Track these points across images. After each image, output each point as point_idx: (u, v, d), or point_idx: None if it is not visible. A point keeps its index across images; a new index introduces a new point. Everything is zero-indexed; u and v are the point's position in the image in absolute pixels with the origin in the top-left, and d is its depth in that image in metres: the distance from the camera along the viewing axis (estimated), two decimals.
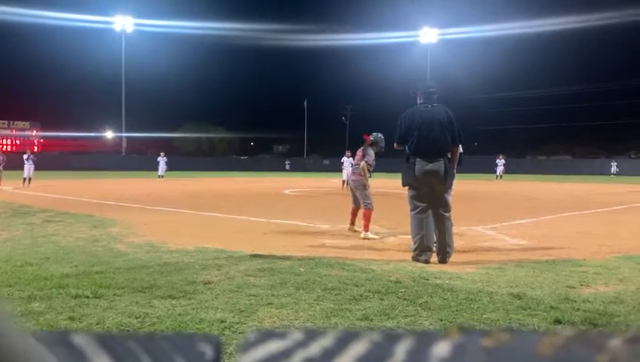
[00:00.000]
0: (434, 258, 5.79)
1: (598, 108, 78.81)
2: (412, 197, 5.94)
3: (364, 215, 7.79)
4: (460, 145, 5.99)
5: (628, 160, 47.43)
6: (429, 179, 5.80)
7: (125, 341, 0.32)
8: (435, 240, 5.85)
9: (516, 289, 4.47)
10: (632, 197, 17.99)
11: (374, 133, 8.13)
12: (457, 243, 6.40)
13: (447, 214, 5.91)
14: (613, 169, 45.22)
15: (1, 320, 0.26)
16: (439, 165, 5.77)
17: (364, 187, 7.92)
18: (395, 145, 6.15)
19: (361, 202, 7.95)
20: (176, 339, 0.33)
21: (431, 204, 5.88)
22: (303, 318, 3.65)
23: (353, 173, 8.32)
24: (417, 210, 5.88)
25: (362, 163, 7.91)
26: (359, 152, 8.15)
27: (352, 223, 8.20)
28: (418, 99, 6.08)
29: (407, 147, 5.95)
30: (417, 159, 5.80)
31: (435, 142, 5.78)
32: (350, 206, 8.42)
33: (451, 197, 6.26)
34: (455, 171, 6.06)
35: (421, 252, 5.74)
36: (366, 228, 7.65)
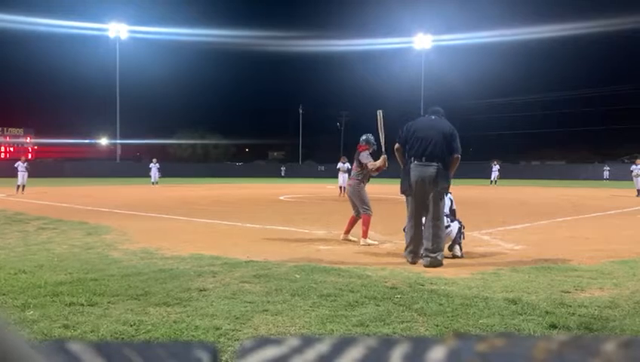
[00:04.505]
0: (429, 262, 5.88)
1: (592, 113, 79.48)
2: (408, 203, 6.26)
3: (363, 221, 7.73)
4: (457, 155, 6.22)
5: (621, 165, 47.70)
6: (424, 185, 6.04)
7: (122, 348, 0.32)
8: (424, 245, 6.06)
9: (511, 294, 4.48)
10: (626, 201, 18.09)
11: (364, 136, 8.12)
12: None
13: (437, 222, 6.05)
14: (606, 174, 45.46)
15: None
16: (432, 169, 6.00)
17: (360, 193, 7.87)
18: (396, 145, 6.40)
19: (359, 208, 7.88)
20: (172, 346, 0.33)
21: (424, 208, 6.13)
22: (298, 325, 3.64)
23: (350, 179, 8.25)
24: (411, 216, 6.20)
25: (368, 165, 7.71)
26: (355, 160, 8.11)
27: (347, 232, 7.93)
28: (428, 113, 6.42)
29: (406, 153, 6.22)
30: (412, 164, 6.07)
31: (429, 145, 6.03)
32: (350, 213, 8.21)
33: (449, 201, 6.57)
34: (451, 177, 6.27)
35: (409, 252, 6.13)
36: (364, 235, 7.58)
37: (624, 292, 4.64)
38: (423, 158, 6.01)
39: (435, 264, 5.82)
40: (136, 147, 70.67)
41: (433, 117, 6.25)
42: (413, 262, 5.99)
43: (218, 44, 76.10)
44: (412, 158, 6.09)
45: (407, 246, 6.19)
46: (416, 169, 6.04)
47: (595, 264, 5.92)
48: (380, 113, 7.34)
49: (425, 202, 6.10)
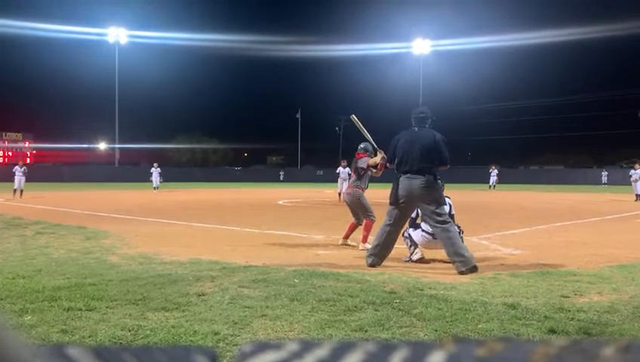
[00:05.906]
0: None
1: (590, 118, 79.59)
2: (389, 211, 6.29)
3: (365, 226, 7.74)
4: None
5: (619, 170, 47.82)
6: (412, 197, 6.11)
7: (120, 353, 0.32)
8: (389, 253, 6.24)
9: (510, 299, 4.48)
10: (624, 206, 18.10)
11: (362, 144, 8.14)
12: None
13: (444, 226, 5.99)
14: (605, 178, 45.57)
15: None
16: (419, 181, 6.03)
17: (360, 199, 7.88)
18: (387, 164, 6.81)
19: (362, 215, 7.87)
20: (172, 351, 0.33)
21: (405, 219, 6.31)
22: (297, 330, 3.64)
23: (348, 186, 8.28)
24: (387, 224, 6.24)
25: (369, 161, 7.76)
26: (353, 168, 8.16)
27: (347, 237, 7.94)
28: (412, 123, 6.41)
29: (395, 168, 6.37)
30: (401, 178, 6.16)
31: (415, 160, 6.09)
32: (350, 218, 8.19)
33: (448, 206, 6.55)
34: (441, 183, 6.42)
35: (370, 255, 6.17)
36: (364, 240, 7.57)
37: (623, 297, 4.63)
38: (408, 173, 6.09)
39: (464, 266, 5.64)
40: (135, 151, 70.67)
41: (416, 128, 6.27)
42: (372, 265, 6.02)
43: (217, 49, 76.26)
44: (400, 174, 6.17)
45: (371, 248, 6.26)
46: (404, 181, 6.11)
47: (593, 269, 5.91)
48: (353, 117, 7.56)
49: (408, 213, 6.28)
